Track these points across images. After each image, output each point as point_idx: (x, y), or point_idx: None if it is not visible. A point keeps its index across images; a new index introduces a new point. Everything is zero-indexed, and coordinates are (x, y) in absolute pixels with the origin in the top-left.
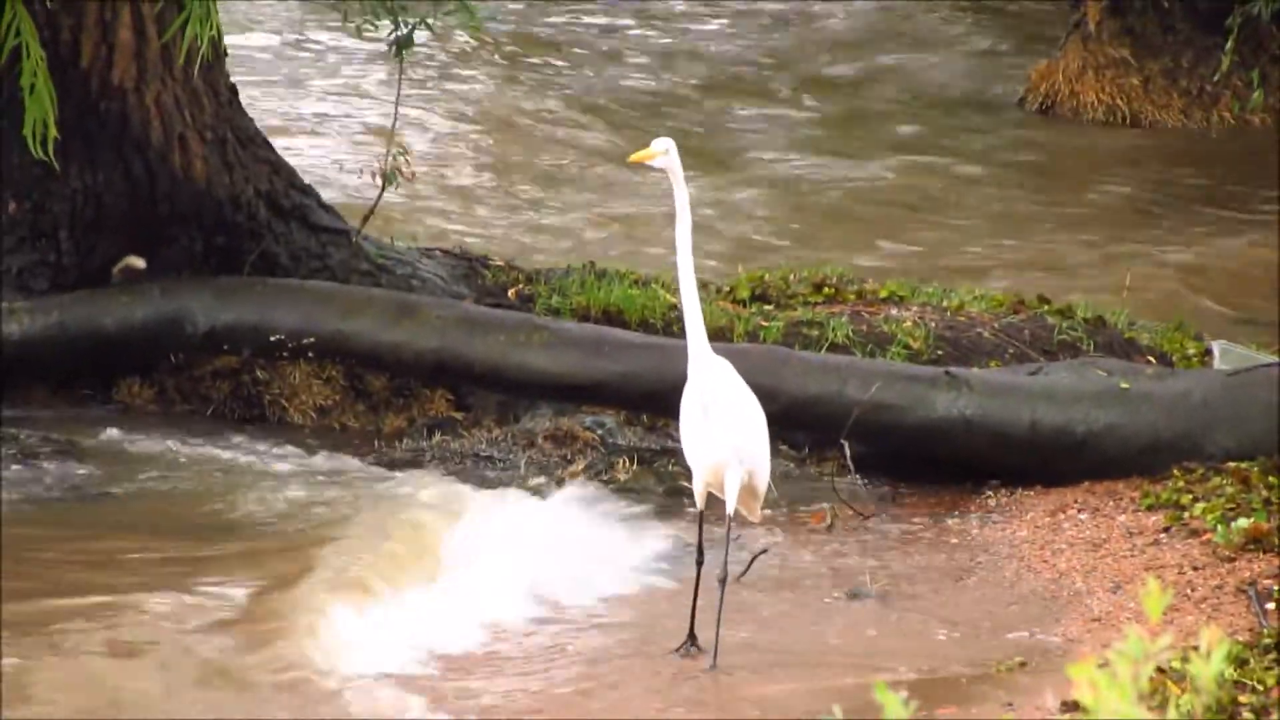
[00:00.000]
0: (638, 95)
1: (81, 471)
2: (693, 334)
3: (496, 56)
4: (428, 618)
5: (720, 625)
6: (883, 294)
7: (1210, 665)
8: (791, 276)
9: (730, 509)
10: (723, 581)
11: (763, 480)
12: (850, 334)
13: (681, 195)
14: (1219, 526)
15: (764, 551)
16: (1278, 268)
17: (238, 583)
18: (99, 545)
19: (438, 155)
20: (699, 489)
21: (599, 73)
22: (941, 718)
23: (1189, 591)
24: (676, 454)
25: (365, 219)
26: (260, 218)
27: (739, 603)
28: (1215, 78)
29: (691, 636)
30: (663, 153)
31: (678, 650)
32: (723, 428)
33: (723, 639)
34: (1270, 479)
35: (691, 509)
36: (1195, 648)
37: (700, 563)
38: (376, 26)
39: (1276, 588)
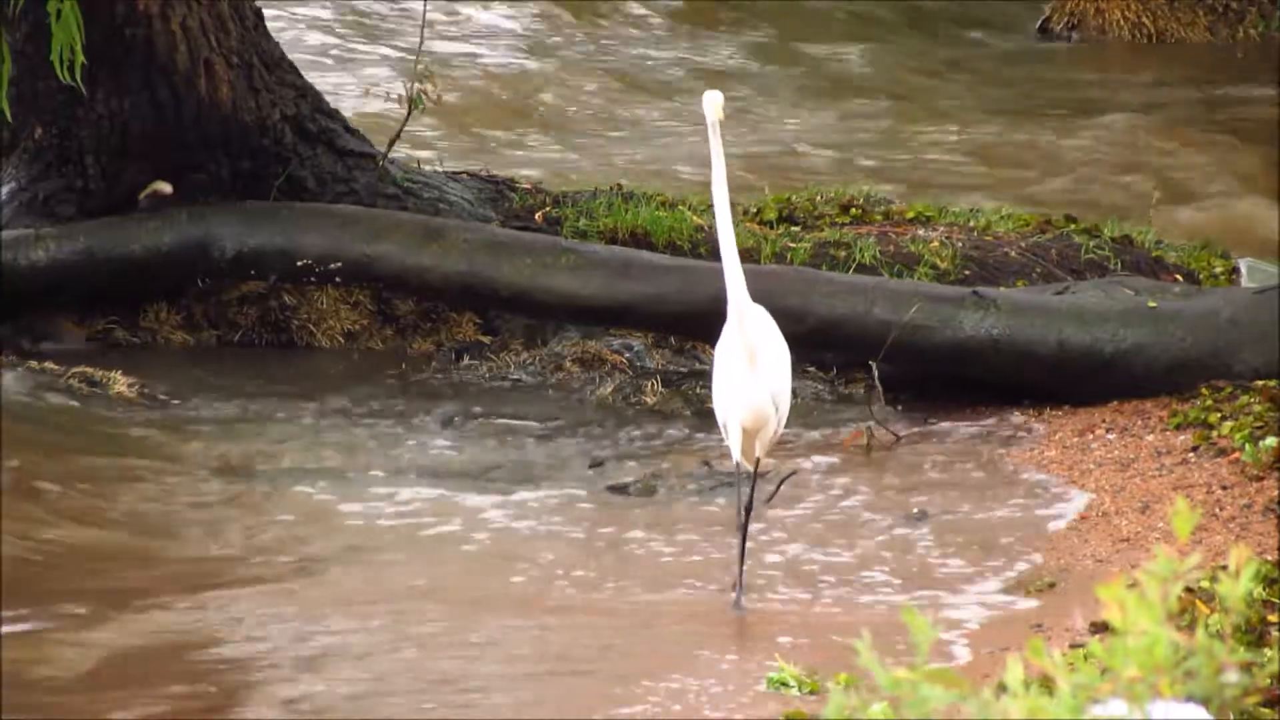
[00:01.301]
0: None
1: None
2: (732, 283)
3: None
4: None
5: (744, 563)
6: (909, 214)
7: (1239, 585)
8: (819, 197)
9: (763, 451)
10: (748, 509)
11: (782, 426)
12: (877, 254)
13: (717, 145)
14: (1247, 445)
15: (793, 473)
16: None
17: None
18: None
19: (465, 80)
20: (737, 439)
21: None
22: (970, 638)
23: (1217, 511)
24: (705, 377)
25: (391, 142)
26: (286, 142)
27: (778, 524)
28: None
29: (740, 587)
30: (719, 107)
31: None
32: (766, 375)
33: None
34: None
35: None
36: (1224, 567)
37: (747, 513)
38: None
39: None
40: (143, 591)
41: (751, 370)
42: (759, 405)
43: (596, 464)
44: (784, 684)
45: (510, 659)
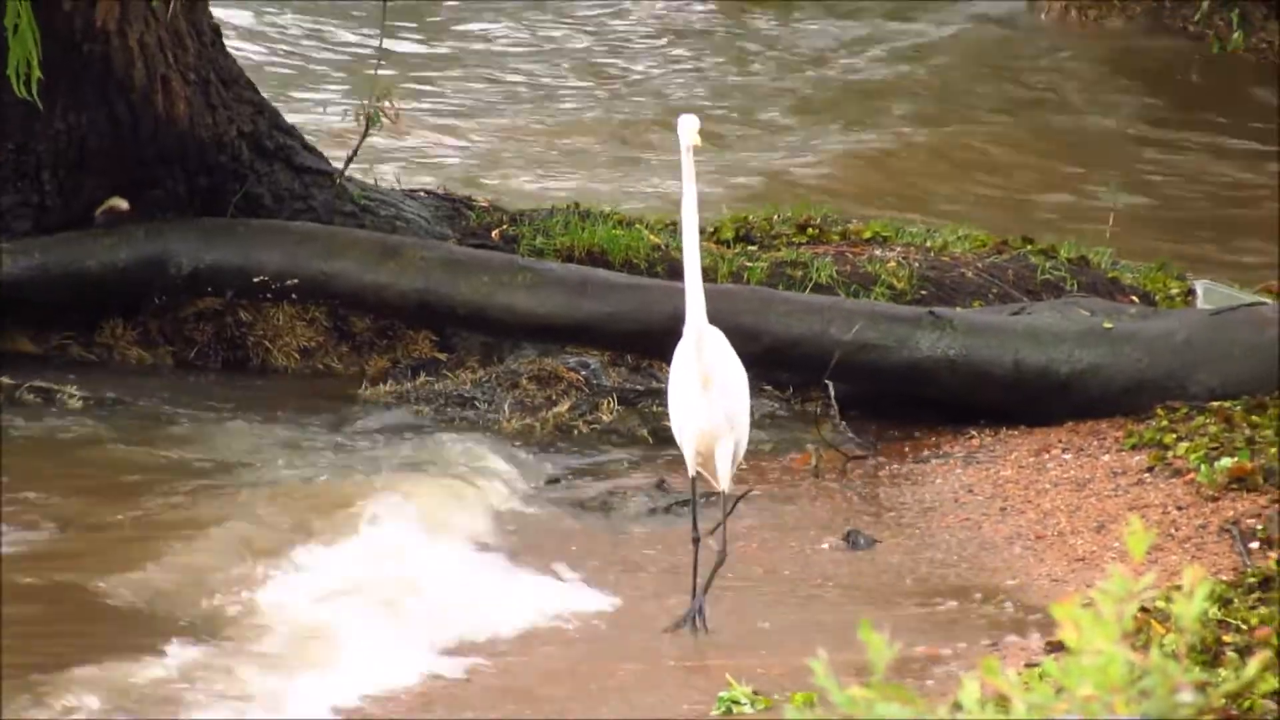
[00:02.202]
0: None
1: None
2: (693, 305)
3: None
4: None
5: (707, 592)
6: (866, 234)
7: (1193, 605)
8: (775, 217)
9: (725, 482)
10: (721, 555)
11: (742, 449)
12: (834, 274)
13: (689, 170)
14: (1202, 466)
15: (747, 493)
16: None
17: None
18: None
19: (423, 97)
20: (690, 459)
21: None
22: (925, 656)
23: (1173, 531)
24: (661, 395)
25: (349, 160)
26: (244, 159)
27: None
28: (1196, 18)
29: (696, 608)
30: (694, 132)
31: (679, 626)
32: (721, 399)
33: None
34: (1253, 418)
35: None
36: (1179, 587)
37: (697, 539)
38: None
39: (1260, 527)
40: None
41: (705, 393)
42: (712, 428)
43: (552, 481)
44: (735, 703)
45: None
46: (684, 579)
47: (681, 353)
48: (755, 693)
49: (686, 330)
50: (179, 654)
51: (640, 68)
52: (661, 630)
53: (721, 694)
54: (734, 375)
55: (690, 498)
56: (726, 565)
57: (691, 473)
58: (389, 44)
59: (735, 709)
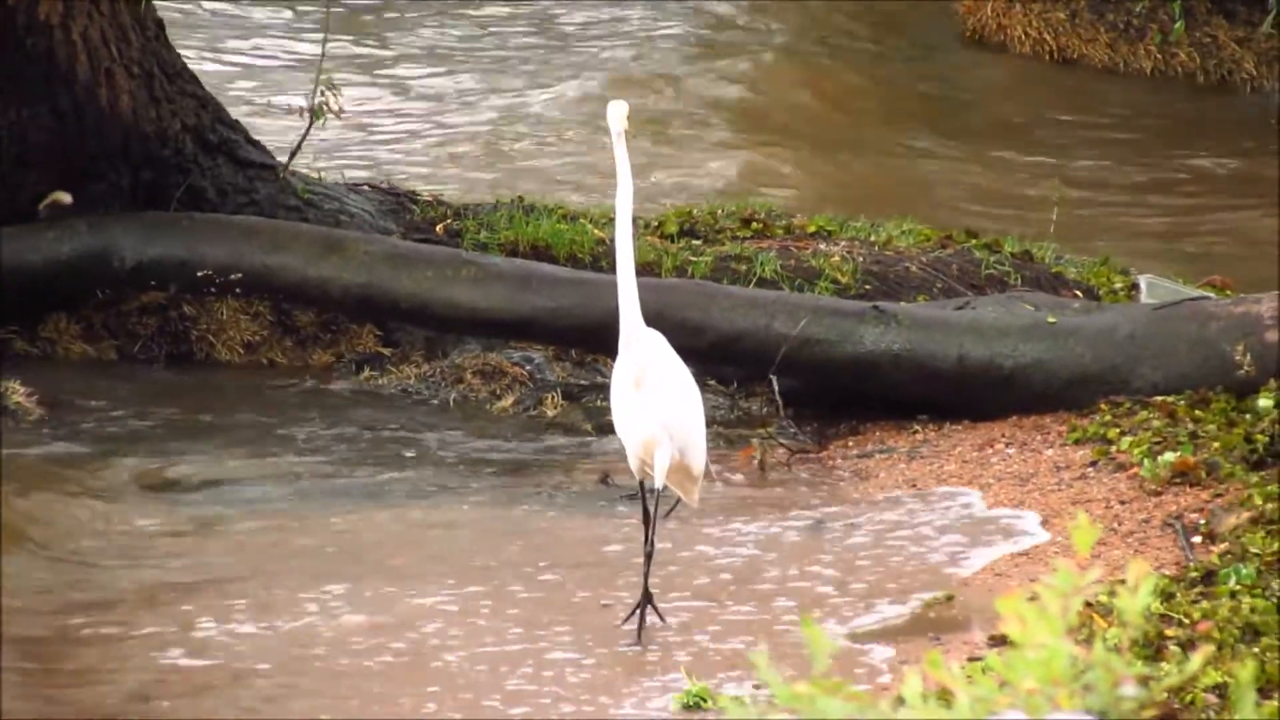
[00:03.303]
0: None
1: None
2: (626, 305)
3: None
4: None
5: (646, 601)
6: (810, 229)
7: (1136, 599)
8: (719, 211)
9: (659, 484)
10: (648, 556)
11: (697, 461)
12: (778, 269)
13: (623, 157)
14: (1145, 460)
15: (676, 504)
16: None
17: None
18: None
19: (367, 90)
20: (633, 464)
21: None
22: (868, 650)
23: (1116, 525)
24: (605, 390)
25: (292, 154)
26: (187, 152)
27: (671, 542)
28: (1139, 10)
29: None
30: (624, 117)
31: (628, 630)
32: (654, 402)
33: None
34: (1196, 413)
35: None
36: (1122, 581)
37: (649, 541)
38: None
39: (1203, 521)
40: None
41: (637, 396)
42: (646, 432)
43: (497, 474)
44: (699, 701)
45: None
46: (626, 571)
47: (620, 353)
48: (712, 691)
49: (621, 333)
50: None
51: (582, 58)
52: (616, 625)
53: (687, 688)
54: (674, 380)
55: (638, 494)
56: (671, 562)
57: (637, 476)
58: (336, 40)
59: (703, 704)
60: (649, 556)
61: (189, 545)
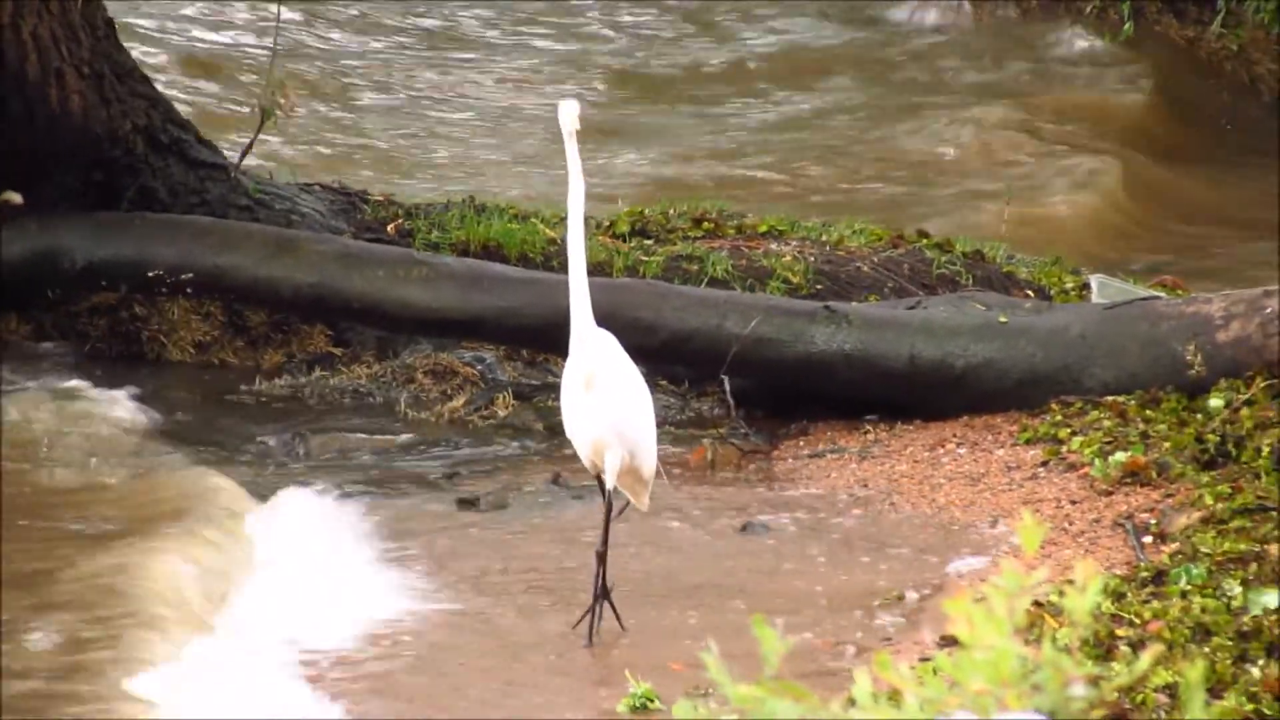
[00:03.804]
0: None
1: None
2: (577, 305)
3: None
4: None
5: (600, 602)
6: (762, 228)
7: (1085, 599)
8: (671, 211)
9: (609, 485)
10: (601, 556)
11: (647, 463)
12: (730, 268)
13: (574, 157)
14: (1096, 460)
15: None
16: None
17: None
18: None
19: (319, 90)
20: (586, 463)
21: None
22: (818, 651)
23: (1066, 525)
24: (557, 390)
25: (244, 154)
26: (138, 152)
27: (620, 540)
28: (1089, 10)
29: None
30: (576, 116)
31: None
32: (604, 404)
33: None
34: (1147, 412)
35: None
36: (1072, 581)
37: (603, 541)
38: None
39: (1153, 521)
40: None
41: (588, 397)
42: (596, 433)
43: (448, 476)
44: (645, 703)
45: None
46: (580, 574)
47: (570, 355)
48: (653, 689)
49: (572, 333)
50: None
51: (538, 60)
52: (571, 627)
53: (632, 689)
54: (625, 384)
55: (585, 495)
56: (625, 562)
57: (592, 471)
58: (287, 38)
59: (649, 705)
60: (601, 557)
61: None
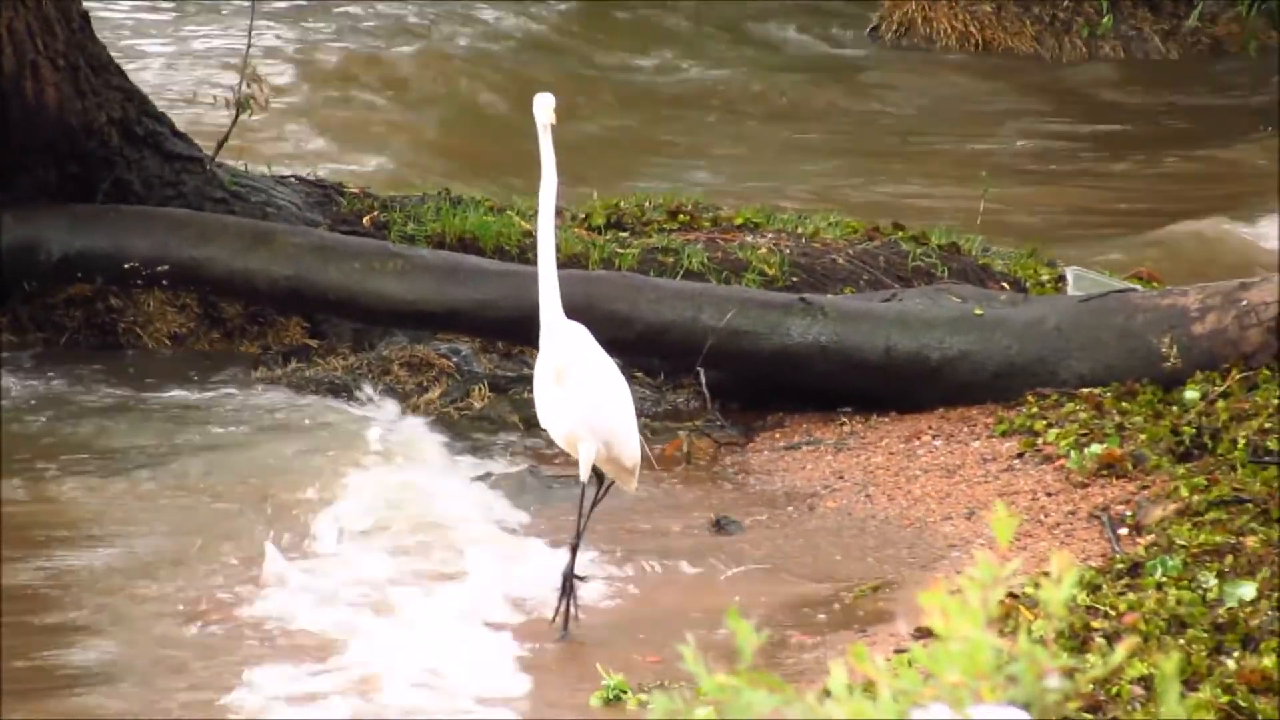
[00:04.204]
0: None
1: None
2: (546, 300)
3: None
4: None
5: (571, 595)
6: (738, 221)
7: (1060, 590)
8: (647, 203)
9: (583, 477)
10: (574, 548)
11: (627, 451)
12: (705, 260)
13: (548, 150)
14: (1072, 452)
15: (612, 483)
16: None
17: None
18: None
19: (294, 82)
20: (565, 449)
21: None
22: (794, 643)
23: (1042, 517)
24: (532, 382)
25: (219, 146)
26: (113, 145)
27: (592, 533)
28: (1065, 3)
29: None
30: (550, 110)
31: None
32: (576, 398)
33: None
34: (1123, 404)
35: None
36: (1047, 573)
37: (577, 534)
38: None
39: (1129, 513)
40: None
41: (559, 389)
42: (567, 427)
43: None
44: (618, 695)
45: None
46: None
47: (541, 346)
48: (633, 684)
49: (542, 324)
50: None
51: (516, 56)
52: (550, 621)
53: (605, 682)
54: (597, 375)
55: (565, 483)
56: (599, 554)
57: (572, 457)
58: (262, 30)
59: (622, 698)
60: (574, 549)
61: None
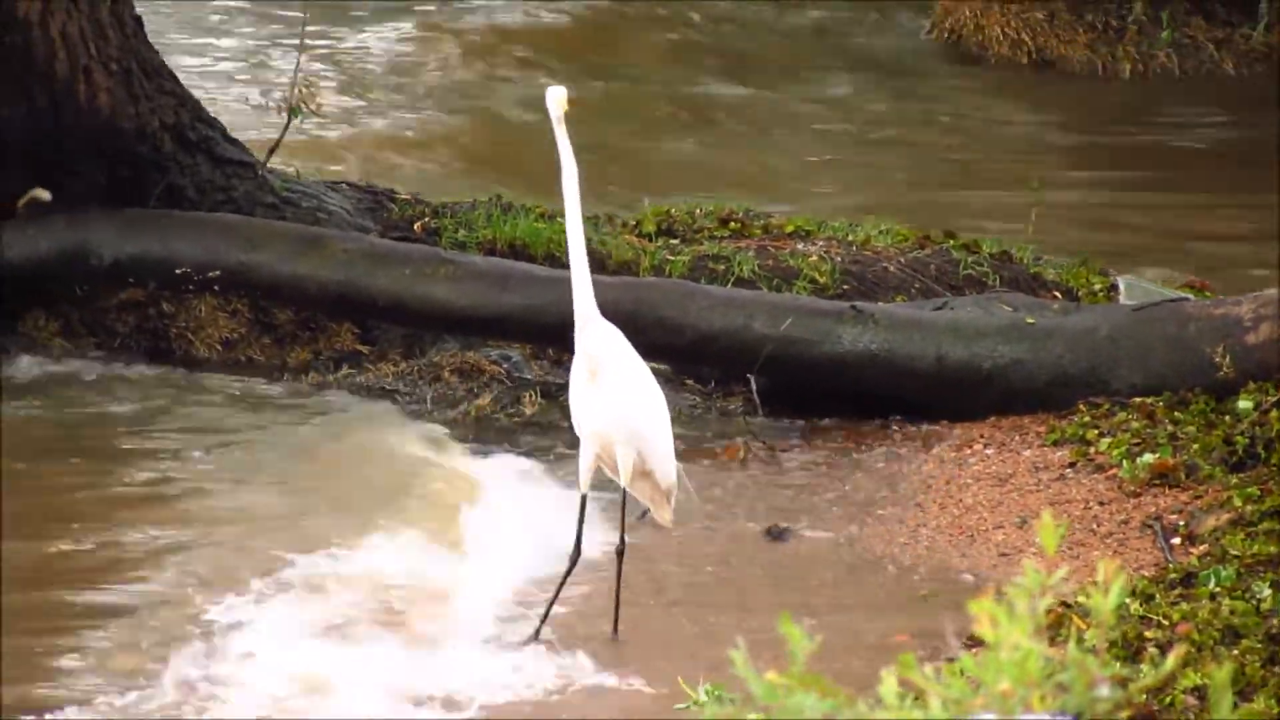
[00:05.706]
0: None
1: None
2: (579, 295)
3: None
4: None
5: (620, 598)
6: (788, 228)
7: (1109, 598)
8: (698, 211)
9: (623, 483)
10: (620, 554)
11: (662, 470)
12: (756, 268)
13: (564, 142)
14: (1124, 462)
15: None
16: None
17: None
18: None
19: (346, 88)
20: (587, 463)
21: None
22: (843, 653)
23: (1095, 527)
24: None
25: (270, 151)
26: (166, 150)
27: (647, 538)
28: (1128, 17)
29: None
30: (563, 102)
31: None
32: (609, 395)
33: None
34: (1175, 414)
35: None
36: (1097, 582)
37: (575, 558)
38: None
39: (1182, 523)
40: None
41: (592, 386)
42: (600, 424)
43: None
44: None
45: None
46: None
47: (576, 342)
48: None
49: (576, 320)
50: None
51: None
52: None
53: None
54: (632, 378)
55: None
56: (649, 561)
57: (583, 483)
58: (313, 39)
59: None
60: (620, 554)
61: None
